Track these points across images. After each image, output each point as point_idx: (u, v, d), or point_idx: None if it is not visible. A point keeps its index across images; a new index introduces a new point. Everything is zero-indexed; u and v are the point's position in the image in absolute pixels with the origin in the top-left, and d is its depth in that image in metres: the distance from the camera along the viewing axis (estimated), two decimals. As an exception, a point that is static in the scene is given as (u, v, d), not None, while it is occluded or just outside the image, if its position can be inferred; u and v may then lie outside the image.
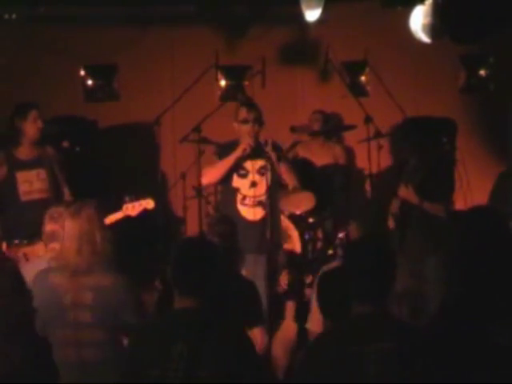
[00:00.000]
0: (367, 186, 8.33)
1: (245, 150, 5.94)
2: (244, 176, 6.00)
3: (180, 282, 3.45)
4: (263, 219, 5.96)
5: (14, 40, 7.77)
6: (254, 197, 5.99)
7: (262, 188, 6.01)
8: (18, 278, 3.44)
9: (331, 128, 8.19)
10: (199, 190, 7.72)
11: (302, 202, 7.16)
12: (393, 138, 7.02)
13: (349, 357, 3.04)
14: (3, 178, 6.13)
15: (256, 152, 6.02)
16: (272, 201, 6.02)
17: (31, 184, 6.15)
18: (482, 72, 8.70)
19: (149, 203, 6.04)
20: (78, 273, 4.15)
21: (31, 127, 6.16)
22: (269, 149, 5.87)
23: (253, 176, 6.00)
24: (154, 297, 5.88)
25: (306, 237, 7.14)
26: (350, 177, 8.15)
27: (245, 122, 6.04)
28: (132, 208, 5.96)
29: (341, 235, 7.58)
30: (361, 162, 8.15)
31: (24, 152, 6.18)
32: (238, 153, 5.96)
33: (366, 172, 8.07)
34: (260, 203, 6.00)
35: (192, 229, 7.87)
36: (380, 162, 7.71)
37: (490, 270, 3.26)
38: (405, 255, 6.12)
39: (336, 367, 3.05)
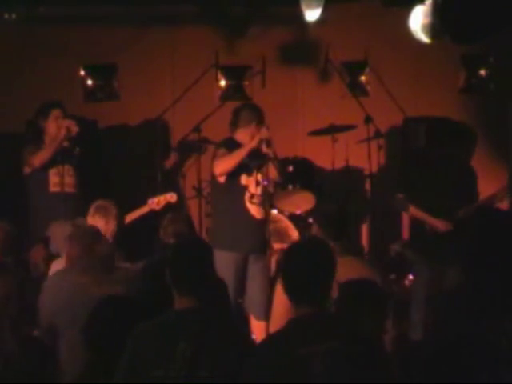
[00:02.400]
0: (367, 186, 8.33)
1: (261, 140, 5.88)
2: (251, 174, 6.00)
3: (179, 283, 3.45)
4: (266, 218, 5.99)
5: (14, 40, 7.78)
6: (260, 195, 5.98)
7: (262, 187, 6.03)
8: (19, 277, 3.45)
9: (331, 128, 8.19)
10: (199, 189, 7.74)
11: (301, 202, 7.16)
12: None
13: (297, 358, 3.04)
14: (36, 169, 6.37)
15: (254, 151, 6.01)
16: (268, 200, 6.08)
17: (62, 177, 6.33)
18: (482, 72, 8.69)
19: (172, 197, 6.22)
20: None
21: (52, 126, 6.33)
22: (265, 148, 5.87)
23: (256, 175, 6.00)
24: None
25: (306, 237, 7.13)
26: (349, 177, 8.15)
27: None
28: (157, 202, 6.13)
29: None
30: (361, 162, 8.15)
31: None
32: (253, 143, 5.87)
33: (366, 172, 8.08)
34: (264, 202, 6.01)
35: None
36: (380, 162, 7.72)
37: (497, 271, 3.26)
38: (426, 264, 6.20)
39: (282, 370, 3.05)
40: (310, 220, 7.26)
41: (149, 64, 8.23)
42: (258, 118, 6.10)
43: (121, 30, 8.05)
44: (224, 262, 5.55)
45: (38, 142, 6.46)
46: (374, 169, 7.83)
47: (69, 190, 6.38)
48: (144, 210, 6.16)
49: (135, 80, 8.21)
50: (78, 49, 7.96)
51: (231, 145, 6.03)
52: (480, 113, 8.51)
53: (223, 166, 5.90)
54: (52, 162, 6.36)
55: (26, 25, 7.59)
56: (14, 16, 7.34)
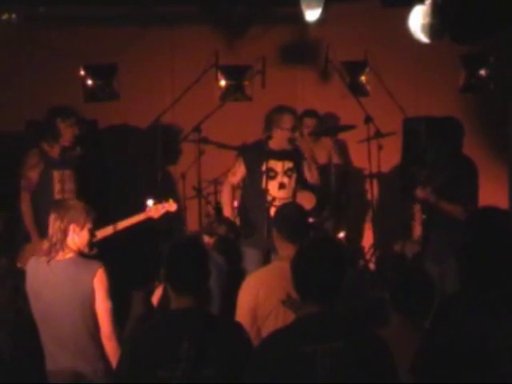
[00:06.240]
0: (367, 186, 8.33)
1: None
2: (273, 178, 6.06)
3: (176, 282, 3.45)
4: None
5: (14, 40, 7.77)
6: (283, 198, 6.06)
7: (289, 190, 6.11)
8: (18, 277, 3.47)
9: (332, 128, 8.19)
10: (199, 189, 7.73)
11: (302, 202, 7.15)
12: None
13: (299, 357, 3.04)
14: (40, 175, 6.39)
15: (284, 154, 6.09)
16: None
17: (64, 183, 6.43)
18: (482, 72, 8.70)
19: (171, 206, 6.08)
20: None
21: (68, 131, 6.43)
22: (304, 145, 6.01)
23: (281, 178, 6.05)
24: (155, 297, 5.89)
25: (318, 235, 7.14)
26: (348, 176, 8.15)
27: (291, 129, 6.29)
28: (155, 210, 6.01)
29: (341, 235, 7.59)
30: (361, 161, 8.15)
31: (56, 152, 6.47)
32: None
33: (366, 172, 8.07)
34: None
35: (192, 229, 7.87)
36: (380, 162, 7.72)
37: (498, 269, 3.27)
38: (430, 257, 6.12)
39: (286, 367, 3.05)
40: (310, 220, 7.26)
41: (149, 64, 8.23)
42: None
43: (121, 30, 8.05)
44: (248, 258, 6.13)
45: (51, 141, 6.47)
46: (374, 169, 7.82)
47: (68, 195, 6.35)
48: (141, 217, 5.95)
49: (135, 80, 8.21)
50: (78, 49, 7.95)
51: (255, 150, 6.19)
52: (480, 113, 8.51)
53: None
54: (55, 168, 6.42)
55: (26, 25, 7.59)
56: (13, 16, 7.33)
